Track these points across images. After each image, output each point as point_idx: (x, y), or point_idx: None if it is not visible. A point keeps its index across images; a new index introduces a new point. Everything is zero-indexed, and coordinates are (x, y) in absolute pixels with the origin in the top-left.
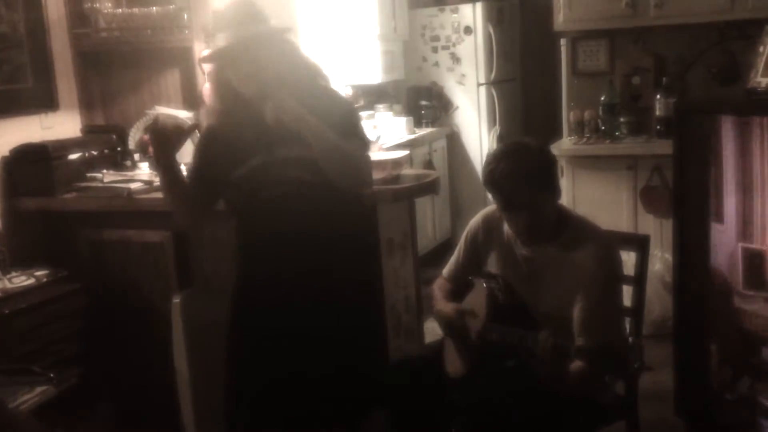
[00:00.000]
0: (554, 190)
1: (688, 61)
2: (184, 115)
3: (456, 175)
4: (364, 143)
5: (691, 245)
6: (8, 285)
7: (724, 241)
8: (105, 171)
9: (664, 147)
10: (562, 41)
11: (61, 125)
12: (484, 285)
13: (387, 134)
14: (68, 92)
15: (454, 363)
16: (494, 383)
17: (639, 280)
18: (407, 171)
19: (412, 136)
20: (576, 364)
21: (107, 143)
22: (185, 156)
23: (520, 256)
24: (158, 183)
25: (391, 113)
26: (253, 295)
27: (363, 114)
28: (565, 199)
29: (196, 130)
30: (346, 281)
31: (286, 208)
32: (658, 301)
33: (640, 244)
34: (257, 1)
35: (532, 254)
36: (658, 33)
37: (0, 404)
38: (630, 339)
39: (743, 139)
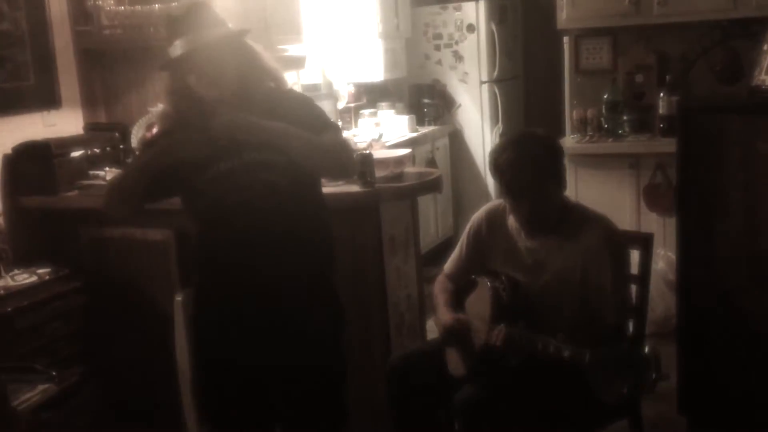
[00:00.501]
0: (560, 180)
1: (692, 59)
2: None
3: (458, 173)
4: (336, 130)
5: (695, 243)
6: (10, 283)
7: (728, 240)
8: (107, 169)
9: (667, 145)
10: (565, 39)
11: (63, 123)
12: (488, 284)
13: (389, 132)
14: (71, 90)
15: (457, 362)
16: (497, 382)
17: (642, 278)
18: (409, 169)
19: (415, 135)
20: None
21: (110, 141)
22: None
23: (524, 248)
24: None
25: (393, 111)
26: (219, 302)
27: (365, 112)
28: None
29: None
30: (314, 286)
31: (255, 211)
32: (661, 299)
33: (644, 242)
34: (211, 4)
35: (536, 246)
36: (662, 31)
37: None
38: (647, 348)
39: (747, 137)
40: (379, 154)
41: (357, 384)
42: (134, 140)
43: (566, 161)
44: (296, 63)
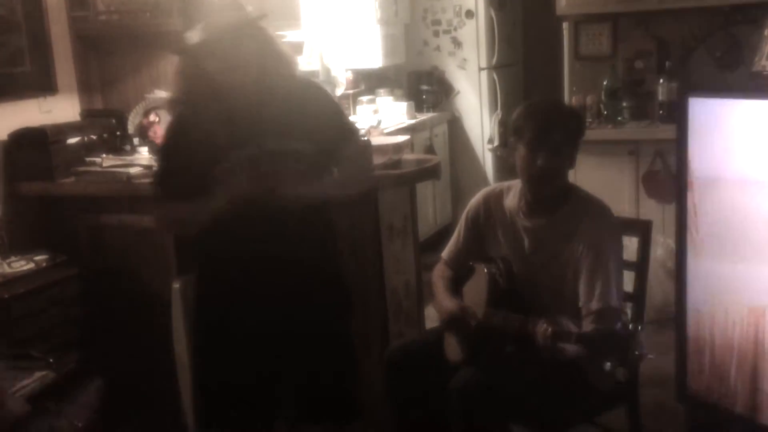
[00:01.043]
0: (573, 153)
1: (692, 45)
2: None
3: (457, 160)
4: (355, 139)
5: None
6: (7, 270)
7: None
8: (104, 155)
9: (667, 132)
10: (565, 25)
11: (59, 109)
12: (485, 270)
13: (388, 119)
14: (67, 76)
15: (453, 348)
16: (493, 368)
17: (641, 265)
18: (408, 156)
19: (413, 121)
20: (575, 350)
21: (106, 127)
22: None
23: (522, 228)
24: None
25: (391, 98)
26: (223, 294)
27: (363, 99)
28: None
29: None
30: (323, 272)
31: (273, 201)
32: (660, 287)
33: (642, 229)
34: None
35: (535, 226)
36: (662, 17)
37: None
38: (630, 326)
39: (747, 123)
40: (377, 140)
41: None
42: (131, 127)
43: None
44: (294, 49)
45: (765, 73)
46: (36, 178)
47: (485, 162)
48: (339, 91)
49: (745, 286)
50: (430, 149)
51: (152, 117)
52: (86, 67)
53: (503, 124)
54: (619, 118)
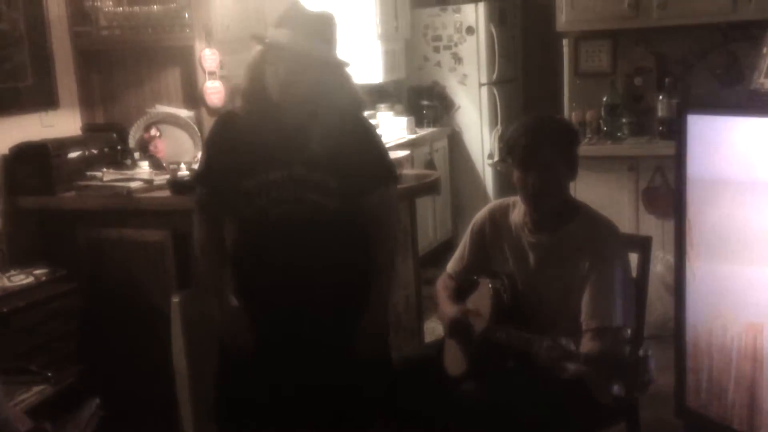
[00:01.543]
0: (572, 164)
1: (691, 62)
2: (184, 114)
3: (457, 176)
4: (395, 183)
5: None
6: (7, 283)
7: None
8: (105, 170)
9: (666, 148)
10: (565, 42)
11: (61, 123)
12: (489, 285)
13: (388, 134)
14: (68, 90)
15: (454, 363)
16: (495, 383)
17: (641, 281)
18: (408, 171)
19: (413, 136)
20: (579, 370)
21: (107, 142)
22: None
23: (528, 244)
24: (158, 182)
25: (392, 113)
26: (251, 321)
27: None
28: None
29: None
30: (351, 314)
31: (298, 231)
32: (660, 302)
33: (642, 245)
34: (332, 23)
35: (540, 242)
36: (661, 34)
37: None
38: (641, 351)
39: (746, 140)
40: None
41: None
42: (132, 141)
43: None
44: None
45: (763, 90)
46: (36, 192)
47: (485, 177)
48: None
49: (743, 301)
50: (430, 164)
51: (153, 131)
52: (88, 82)
53: (503, 140)
54: (619, 134)
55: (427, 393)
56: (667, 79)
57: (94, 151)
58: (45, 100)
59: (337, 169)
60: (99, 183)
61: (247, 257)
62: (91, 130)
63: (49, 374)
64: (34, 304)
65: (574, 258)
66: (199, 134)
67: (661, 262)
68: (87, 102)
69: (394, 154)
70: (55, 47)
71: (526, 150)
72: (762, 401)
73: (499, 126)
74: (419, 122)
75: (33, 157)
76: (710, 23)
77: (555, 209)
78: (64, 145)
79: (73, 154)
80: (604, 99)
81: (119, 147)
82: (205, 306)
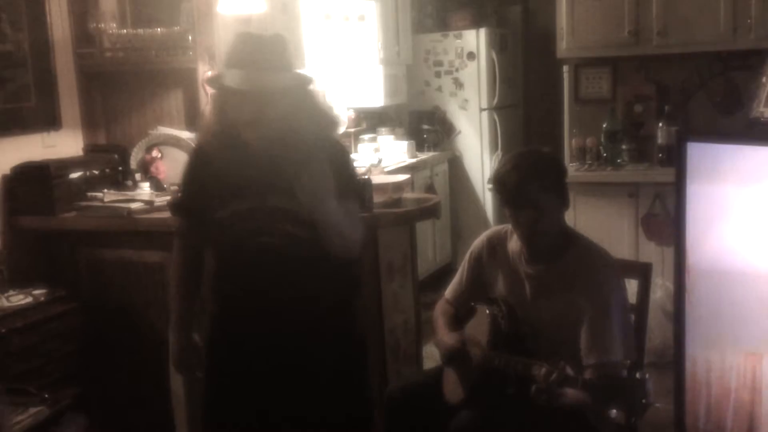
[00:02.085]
0: (561, 197)
1: (691, 90)
2: (186, 136)
3: (457, 200)
4: (355, 200)
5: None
6: (6, 304)
7: None
8: (106, 190)
9: (666, 175)
10: (565, 68)
11: (63, 144)
12: (487, 312)
13: (388, 157)
14: (71, 111)
15: (453, 389)
16: (493, 410)
17: (640, 308)
18: (408, 195)
19: (414, 160)
20: (577, 396)
21: (109, 163)
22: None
23: (524, 275)
24: (159, 204)
25: (393, 137)
26: (228, 348)
27: (365, 137)
28: None
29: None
30: (328, 344)
31: (272, 261)
32: (659, 329)
33: (642, 272)
34: (284, 44)
35: (537, 272)
36: (661, 61)
37: None
38: (638, 374)
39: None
40: (377, 179)
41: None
42: (133, 162)
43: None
44: None
45: (763, 119)
46: (37, 212)
47: (485, 201)
48: (341, 130)
49: (742, 331)
50: (430, 188)
51: (155, 153)
52: (91, 103)
53: (491, 177)
54: (619, 161)
55: (425, 421)
56: (666, 107)
57: (96, 172)
58: (47, 120)
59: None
60: (100, 204)
61: (225, 286)
62: (92, 150)
63: (46, 396)
64: (32, 324)
65: (569, 292)
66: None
67: (660, 288)
68: (89, 123)
69: (394, 178)
70: (59, 68)
71: (514, 190)
72: (761, 431)
73: (499, 151)
74: (420, 146)
75: (34, 178)
76: (710, 51)
77: (550, 242)
78: (65, 165)
79: (75, 175)
80: (604, 125)
81: (121, 168)
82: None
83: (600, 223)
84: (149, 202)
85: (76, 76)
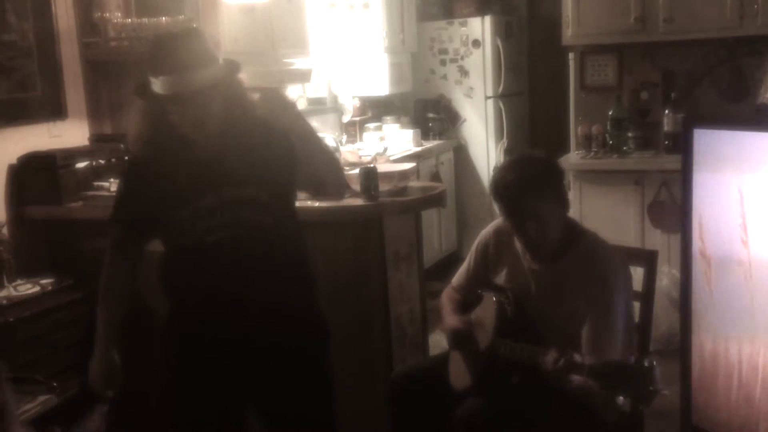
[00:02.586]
0: (561, 201)
1: (697, 76)
2: None
3: (463, 188)
4: (324, 144)
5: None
6: (13, 293)
7: None
8: (112, 180)
9: (672, 162)
10: (571, 55)
11: (69, 134)
12: (494, 299)
13: (394, 146)
14: (77, 101)
15: (459, 376)
16: (499, 398)
17: (646, 295)
18: (414, 183)
19: (419, 149)
20: (587, 383)
21: (115, 152)
22: None
23: (529, 270)
24: None
25: (398, 125)
26: (191, 345)
27: (370, 126)
28: (572, 214)
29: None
30: (299, 319)
31: (237, 251)
32: (665, 317)
33: (648, 259)
34: (199, 35)
35: (542, 269)
36: (667, 48)
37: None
38: (646, 362)
39: (753, 155)
40: (383, 168)
41: (358, 398)
42: None
43: (570, 178)
44: (302, 76)
45: None
46: (44, 201)
47: None
48: (346, 118)
49: (753, 321)
50: (436, 177)
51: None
52: (96, 93)
53: (509, 153)
54: (625, 148)
55: (430, 406)
56: (672, 94)
57: (102, 162)
58: (53, 110)
59: (263, 179)
60: (106, 193)
61: (186, 283)
62: (98, 140)
63: (55, 384)
64: (40, 313)
65: (573, 290)
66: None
67: (666, 276)
68: (95, 112)
69: (399, 166)
70: (64, 58)
71: (514, 205)
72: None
73: (504, 139)
74: (425, 135)
75: (41, 168)
76: (716, 38)
77: (554, 242)
78: (71, 155)
79: (81, 165)
80: (610, 113)
81: (126, 157)
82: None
83: (606, 210)
84: None
85: (81, 65)
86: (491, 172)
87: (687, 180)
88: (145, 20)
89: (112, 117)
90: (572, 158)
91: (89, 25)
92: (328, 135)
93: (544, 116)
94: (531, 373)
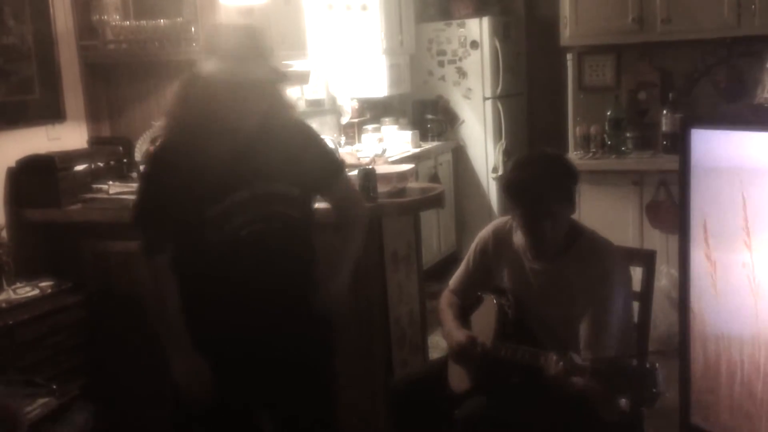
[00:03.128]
0: (573, 202)
1: (695, 76)
2: None
3: (461, 189)
4: (344, 170)
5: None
6: (12, 296)
7: None
8: (111, 182)
9: (671, 162)
10: (569, 56)
11: (67, 137)
12: (494, 301)
13: (392, 147)
14: (75, 104)
15: (458, 379)
16: (498, 399)
17: (645, 295)
18: (412, 184)
19: (418, 150)
20: (588, 385)
21: (113, 155)
22: None
23: (530, 270)
24: None
25: (396, 127)
26: (211, 323)
27: (368, 127)
28: None
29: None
30: (313, 320)
31: (270, 246)
32: (664, 317)
33: (646, 259)
34: (262, 33)
35: (542, 268)
36: (665, 48)
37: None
38: (648, 365)
39: (751, 155)
40: (381, 169)
41: (358, 400)
42: (138, 154)
43: None
44: (300, 78)
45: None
46: (43, 204)
47: (489, 191)
48: (344, 120)
49: (750, 319)
50: (434, 178)
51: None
52: (95, 95)
53: (507, 154)
54: (623, 149)
55: (430, 409)
56: (671, 94)
57: (101, 164)
58: (52, 113)
59: (294, 176)
60: (105, 196)
61: (212, 283)
62: (97, 143)
63: (54, 387)
64: (39, 316)
65: (573, 288)
66: (151, 156)
67: (665, 276)
68: (93, 115)
69: (398, 168)
70: (63, 61)
71: (529, 205)
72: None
73: (503, 140)
74: (424, 136)
75: (39, 170)
76: (714, 38)
77: (557, 241)
78: (70, 158)
79: (80, 167)
80: (608, 113)
81: (125, 160)
82: (171, 364)
83: (604, 210)
84: None
85: (79, 68)
86: (490, 173)
87: (684, 180)
88: (143, 23)
89: (111, 119)
90: (571, 159)
91: (87, 28)
92: (327, 137)
93: (543, 117)
94: (532, 374)
